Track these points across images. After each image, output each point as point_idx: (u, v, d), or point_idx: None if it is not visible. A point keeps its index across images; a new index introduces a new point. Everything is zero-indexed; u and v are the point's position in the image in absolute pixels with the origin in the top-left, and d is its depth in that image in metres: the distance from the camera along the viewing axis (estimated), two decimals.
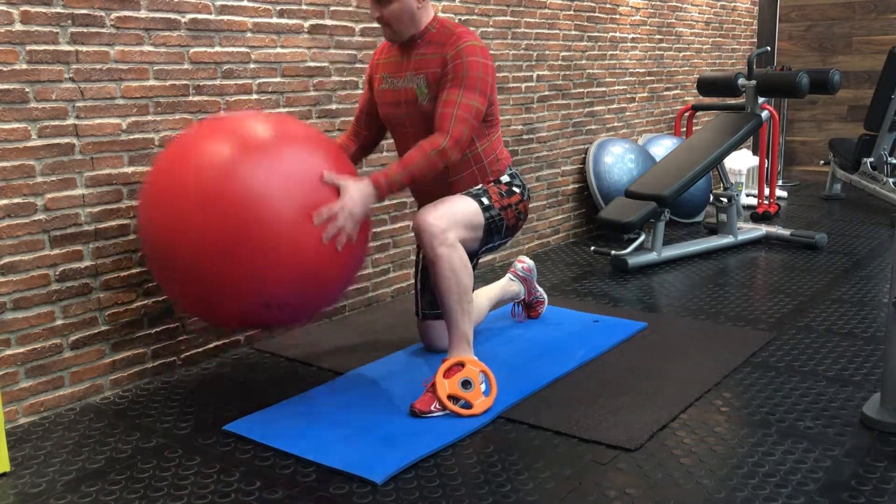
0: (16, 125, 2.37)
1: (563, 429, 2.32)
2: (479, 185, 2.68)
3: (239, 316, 2.28)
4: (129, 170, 2.66)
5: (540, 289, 3.31)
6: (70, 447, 2.30)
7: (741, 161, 5.72)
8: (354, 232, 2.31)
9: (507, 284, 3.17)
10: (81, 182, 2.54)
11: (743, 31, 6.58)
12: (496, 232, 2.67)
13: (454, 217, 2.51)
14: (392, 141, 3.39)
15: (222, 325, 2.37)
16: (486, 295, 3.05)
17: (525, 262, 3.27)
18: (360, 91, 3.40)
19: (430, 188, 2.72)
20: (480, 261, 4.15)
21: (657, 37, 5.45)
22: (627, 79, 5.20)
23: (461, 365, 2.46)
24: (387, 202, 3.58)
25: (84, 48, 2.50)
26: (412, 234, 3.72)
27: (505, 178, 2.73)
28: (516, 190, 2.74)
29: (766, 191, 5.69)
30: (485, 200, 2.63)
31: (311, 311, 2.37)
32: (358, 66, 3.39)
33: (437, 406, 2.41)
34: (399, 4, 2.54)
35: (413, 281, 3.04)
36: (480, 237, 2.63)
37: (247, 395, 2.64)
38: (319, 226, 2.22)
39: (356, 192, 2.30)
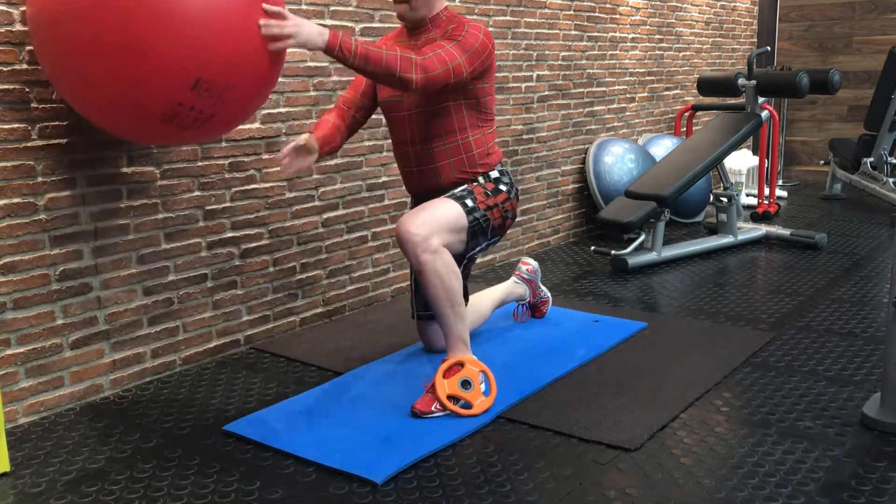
0: (16, 125, 2.37)
1: (563, 429, 2.32)
2: (465, 187, 2.66)
3: (164, 103, 2.09)
4: (129, 170, 2.66)
5: (544, 288, 3.31)
6: (70, 447, 2.30)
7: (741, 161, 5.72)
8: (286, 47, 2.23)
9: (512, 287, 3.17)
10: (81, 182, 2.54)
11: (743, 31, 6.57)
12: (482, 234, 2.65)
13: (437, 223, 2.49)
14: (391, 141, 3.39)
15: (140, 127, 2.17)
16: (489, 297, 3.05)
17: (529, 264, 3.27)
18: None
19: (420, 173, 2.70)
20: (479, 261, 4.15)
21: (657, 37, 5.45)
22: (627, 79, 5.20)
23: (461, 365, 2.46)
24: (387, 202, 3.58)
25: None
26: None
27: (494, 174, 2.72)
28: (503, 188, 2.71)
29: (766, 191, 5.69)
30: (468, 202, 2.61)
31: (233, 107, 2.22)
32: None
33: (438, 406, 2.41)
34: None
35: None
36: (465, 239, 2.61)
37: (247, 395, 2.64)
38: (266, 17, 2.14)
39: (311, 23, 2.24)
